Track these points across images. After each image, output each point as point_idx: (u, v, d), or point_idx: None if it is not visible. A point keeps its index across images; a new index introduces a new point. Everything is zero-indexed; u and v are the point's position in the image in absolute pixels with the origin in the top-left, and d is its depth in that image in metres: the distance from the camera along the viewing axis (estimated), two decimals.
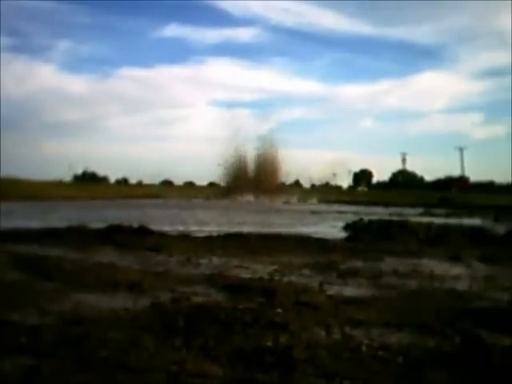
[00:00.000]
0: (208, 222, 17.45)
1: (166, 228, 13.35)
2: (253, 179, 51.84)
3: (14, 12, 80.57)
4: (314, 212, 25.84)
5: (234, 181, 52.19)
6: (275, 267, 7.62)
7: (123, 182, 64.68)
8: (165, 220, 17.36)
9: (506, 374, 3.29)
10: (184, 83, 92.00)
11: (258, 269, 7.49)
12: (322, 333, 4.15)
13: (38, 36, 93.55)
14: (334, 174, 63.34)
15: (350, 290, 6.10)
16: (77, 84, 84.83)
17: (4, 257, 7.95)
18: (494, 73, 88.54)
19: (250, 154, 53.84)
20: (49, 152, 79.40)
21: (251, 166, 53.85)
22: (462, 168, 64.34)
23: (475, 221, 19.10)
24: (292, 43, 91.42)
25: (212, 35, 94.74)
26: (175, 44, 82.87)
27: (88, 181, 56.97)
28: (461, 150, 64.03)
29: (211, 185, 62.95)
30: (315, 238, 11.55)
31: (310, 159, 55.73)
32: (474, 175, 66.40)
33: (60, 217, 16.91)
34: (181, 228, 14.22)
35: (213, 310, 4.48)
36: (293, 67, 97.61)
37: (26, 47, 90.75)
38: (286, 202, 42.79)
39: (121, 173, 64.28)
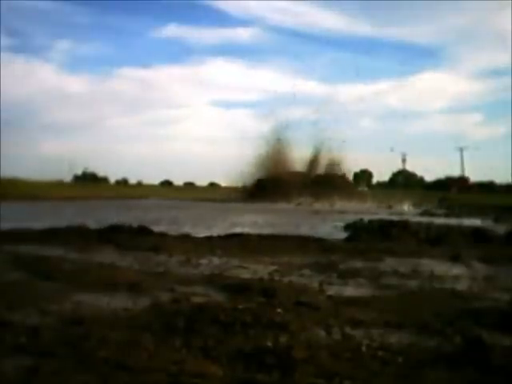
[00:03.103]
0: None
1: None
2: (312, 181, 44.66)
3: (14, 12, 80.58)
4: None
5: (271, 182, 43.98)
6: (275, 267, 7.62)
7: (123, 182, 64.59)
8: None
9: (506, 374, 3.29)
10: (184, 83, 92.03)
11: (258, 269, 7.48)
12: (322, 333, 4.14)
13: (37, 36, 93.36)
14: None
15: (350, 290, 6.10)
16: (77, 84, 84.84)
17: (4, 257, 7.94)
18: (494, 73, 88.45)
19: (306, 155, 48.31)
20: (49, 152, 79.22)
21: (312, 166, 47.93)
22: (462, 168, 64.37)
23: (475, 221, 19.08)
24: (292, 43, 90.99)
25: (211, 35, 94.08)
26: (175, 44, 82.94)
27: (88, 181, 56.86)
28: (461, 150, 64.08)
29: (212, 185, 62.81)
30: (315, 238, 11.54)
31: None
32: (474, 175, 66.41)
33: (60, 217, 16.89)
34: None
35: (213, 310, 4.48)
36: (293, 67, 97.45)
37: (26, 47, 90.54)
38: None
39: (121, 173, 64.24)
